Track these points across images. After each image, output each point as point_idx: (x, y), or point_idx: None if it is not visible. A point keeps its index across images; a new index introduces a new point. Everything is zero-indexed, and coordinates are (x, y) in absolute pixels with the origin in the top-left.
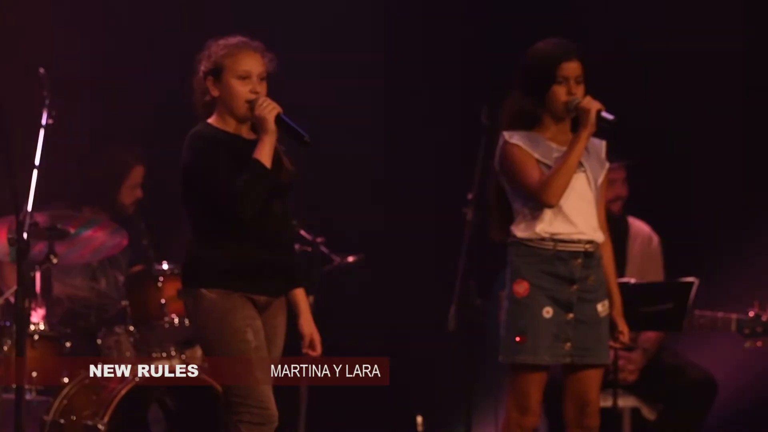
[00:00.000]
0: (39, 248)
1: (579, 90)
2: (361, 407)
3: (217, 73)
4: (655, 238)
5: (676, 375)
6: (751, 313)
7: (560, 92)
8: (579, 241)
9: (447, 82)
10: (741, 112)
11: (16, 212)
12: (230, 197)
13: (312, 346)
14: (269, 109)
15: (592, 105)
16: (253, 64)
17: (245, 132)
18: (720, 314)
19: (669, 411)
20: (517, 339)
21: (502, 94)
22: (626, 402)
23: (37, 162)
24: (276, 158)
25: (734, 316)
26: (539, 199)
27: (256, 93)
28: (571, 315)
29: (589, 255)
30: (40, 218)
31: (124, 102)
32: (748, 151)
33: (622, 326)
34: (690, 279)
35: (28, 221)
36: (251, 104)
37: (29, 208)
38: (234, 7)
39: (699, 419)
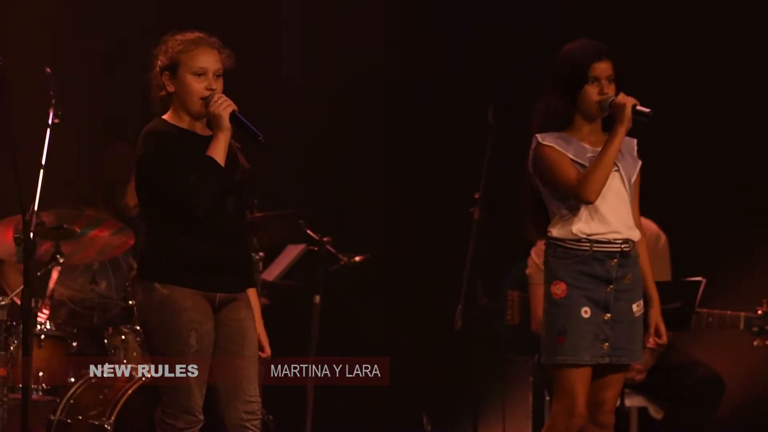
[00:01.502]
0: (45, 248)
1: (611, 89)
2: (367, 406)
3: (172, 68)
4: (663, 237)
5: (684, 374)
6: (760, 311)
7: (592, 92)
8: (615, 241)
9: (453, 80)
10: (744, 110)
11: (22, 212)
12: (183, 194)
13: (260, 348)
14: (224, 107)
15: (627, 100)
16: (209, 60)
17: (200, 128)
18: (728, 313)
19: (676, 410)
20: (558, 340)
21: (506, 94)
22: (633, 401)
23: (43, 161)
24: (230, 156)
25: (743, 314)
26: (578, 196)
27: (212, 89)
28: (608, 315)
29: (625, 254)
30: (47, 218)
31: (125, 102)
32: (753, 149)
33: (662, 327)
34: (697, 278)
35: (34, 221)
36: (206, 101)
37: (35, 207)
38: (235, 7)
39: (706, 418)
